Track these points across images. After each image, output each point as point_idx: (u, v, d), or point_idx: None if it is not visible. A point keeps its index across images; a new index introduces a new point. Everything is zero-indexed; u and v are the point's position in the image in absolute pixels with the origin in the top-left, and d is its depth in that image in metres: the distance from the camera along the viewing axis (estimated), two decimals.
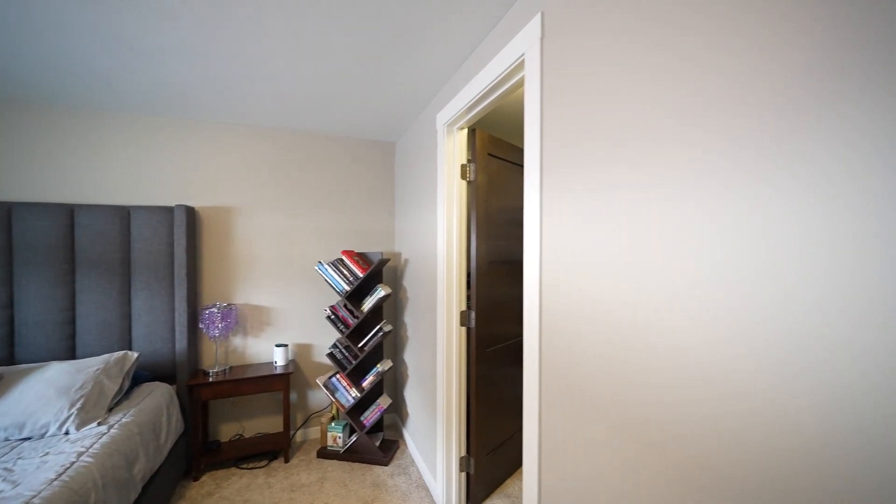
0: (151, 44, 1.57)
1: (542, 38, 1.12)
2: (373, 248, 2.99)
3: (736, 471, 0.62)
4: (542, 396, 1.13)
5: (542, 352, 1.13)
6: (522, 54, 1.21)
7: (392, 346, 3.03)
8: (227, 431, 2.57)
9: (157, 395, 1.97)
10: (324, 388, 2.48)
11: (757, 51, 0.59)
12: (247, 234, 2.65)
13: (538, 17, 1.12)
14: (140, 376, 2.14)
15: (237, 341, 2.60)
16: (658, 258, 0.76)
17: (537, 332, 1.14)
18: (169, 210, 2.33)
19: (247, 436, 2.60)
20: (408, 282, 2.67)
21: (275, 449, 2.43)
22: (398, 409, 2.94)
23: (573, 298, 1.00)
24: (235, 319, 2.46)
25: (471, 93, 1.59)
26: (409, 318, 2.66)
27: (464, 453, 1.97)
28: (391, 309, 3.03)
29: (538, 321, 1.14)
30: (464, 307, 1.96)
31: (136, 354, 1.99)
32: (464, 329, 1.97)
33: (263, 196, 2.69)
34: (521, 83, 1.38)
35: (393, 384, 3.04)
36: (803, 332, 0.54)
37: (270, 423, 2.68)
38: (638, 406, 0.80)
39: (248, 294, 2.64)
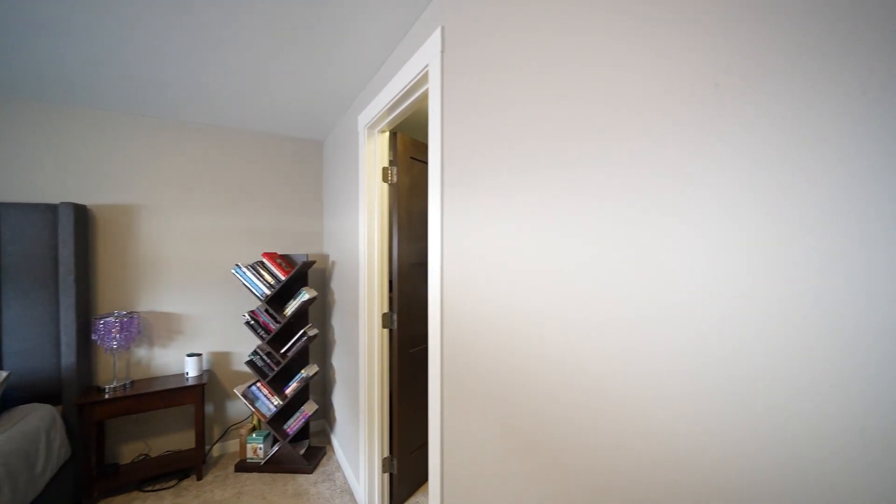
0: (16, 21, 1.38)
1: (442, 52, 1.17)
2: (300, 249, 2.89)
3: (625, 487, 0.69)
4: (443, 399, 1.18)
5: (443, 356, 1.18)
6: (426, 65, 1.25)
7: (321, 350, 2.95)
8: (129, 452, 2.33)
9: (34, 419, 1.73)
10: (242, 398, 2.35)
11: (644, 62, 0.67)
12: (153, 235, 2.42)
13: (439, 31, 1.16)
14: (13, 398, 1.87)
15: (141, 353, 2.37)
16: (547, 266, 0.83)
17: (439, 336, 1.19)
18: (52, 208, 2.05)
19: (153, 455, 2.38)
20: (335, 284, 2.62)
21: (186, 467, 2.25)
22: (327, 415, 2.87)
23: (470, 306, 1.05)
24: (138, 329, 2.24)
25: (386, 97, 1.60)
26: (336, 321, 2.61)
27: (387, 454, 1.98)
28: (320, 312, 2.95)
29: (440, 326, 1.18)
30: (386, 309, 1.97)
31: (4, 374, 1.74)
32: (386, 331, 1.98)
33: (174, 194, 2.48)
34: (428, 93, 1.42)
35: (322, 389, 2.96)
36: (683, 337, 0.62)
37: (182, 440, 2.48)
38: (523, 411, 0.87)
39: (155, 300, 2.41)
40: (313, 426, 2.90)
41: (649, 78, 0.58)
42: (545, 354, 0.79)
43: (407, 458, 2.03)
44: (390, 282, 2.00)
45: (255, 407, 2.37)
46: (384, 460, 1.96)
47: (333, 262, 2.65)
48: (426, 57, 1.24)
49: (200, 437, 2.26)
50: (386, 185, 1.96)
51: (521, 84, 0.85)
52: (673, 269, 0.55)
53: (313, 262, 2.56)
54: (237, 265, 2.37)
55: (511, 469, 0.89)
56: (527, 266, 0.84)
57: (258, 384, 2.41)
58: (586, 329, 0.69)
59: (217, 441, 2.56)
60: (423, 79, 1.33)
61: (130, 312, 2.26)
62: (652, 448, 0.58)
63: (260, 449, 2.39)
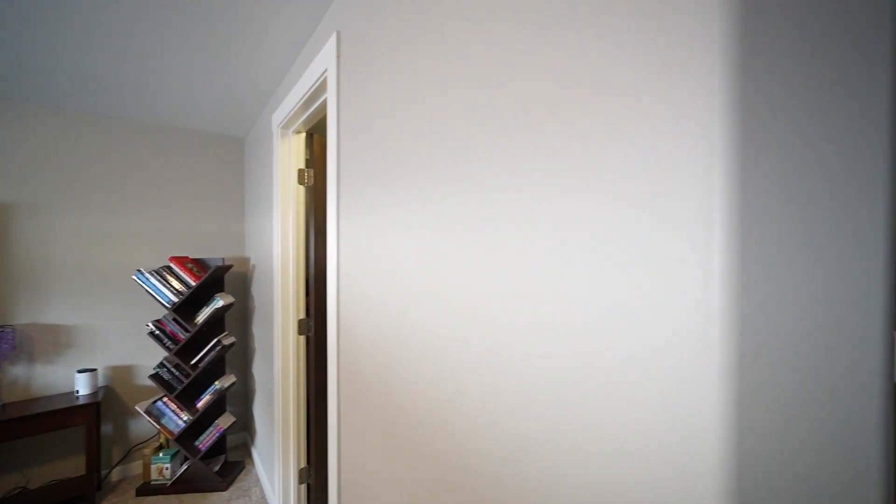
0: None
1: (338, 57, 1.16)
2: (219, 252, 2.71)
3: None
4: (340, 408, 1.18)
5: (339, 369, 1.18)
6: (325, 70, 1.24)
7: (242, 359, 2.80)
8: (0, 487, 2.04)
9: None
10: (145, 416, 2.16)
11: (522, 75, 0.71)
12: (37, 237, 2.14)
13: (334, 37, 1.16)
14: None
15: (18, 371, 2.09)
16: (418, 275, 0.86)
17: (336, 349, 1.18)
18: None
19: (33, 487, 2.11)
20: (256, 289, 2.50)
21: (76, 496, 2.02)
22: (249, 427, 2.72)
23: (362, 318, 1.06)
24: (12, 344, 1.97)
25: (295, 98, 1.56)
26: (256, 328, 2.49)
27: (304, 464, 1.93)
28: (240, 319, 2.79)
29: (336, 339, 1.18)
30: (303, 315, 1.92)
31: None
32: (303, 338, 1.92)
33: (66, 192, 2.22)
34: None
35: (243, 401, 2.81)
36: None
37: (72, 466, 2.22)
38: (398, 416, 0.89)
39: (37, 311, 2.14)
40: (232, 440, 2.73)
41: (498, 102, 0.63)
42: (432, 378, 0.82)
43: (326, 468, 1.99)
44: (307, 287, 1.95)
45: (160, 424, 2.18)
46: (301, 471, 1.91)
47: (254, 266, 2.53)
48: (325, 61, 1.23)
49: (94, 462, 2.04)
50: (302, 188, 1.91)
51: (404, 96, 0.88)
52: (542, 281, 0.60)
53: (230, 267, 2.42)
54: (139, 271, 2.17)
55: (396, 484, 0.91)
56: (407, 275, 0.86)
57: (164, 399, 2.22)
58: (480, 354, 0.73)
59: (117, 464, 2.33)
60: (324, 84, 1.32)
61: (2, 326, 1.98)
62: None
63: (167, 469, 2.20)
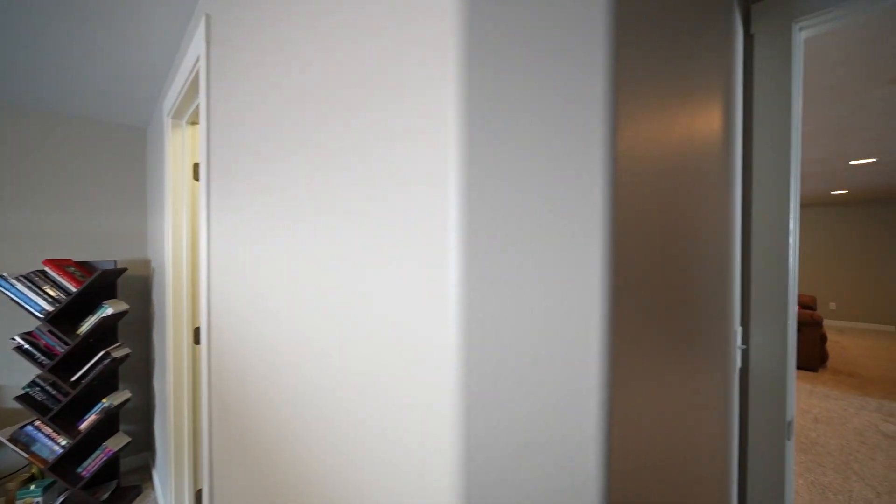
0: None
1: (207, 44, 1.07)
2: (116, 255, 2.44)
3: None
4: (212, 426, 1.09)
5: (210, 374, 1.08)
6: (198, 57, 1.13)
7: (144, 372, 2.53)
8: None
9: None
10: (10, 444, 1.87)
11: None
12: None
13: (203, 21, 1.06)
14: None
15: None
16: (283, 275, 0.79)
17: (207, 354, 1.09)
18: None
19: None
20: (156, 295, 2.27)
21: None
22: (150, 448, 2.47)
23: (222, 322, 0.98)
24: None
25: (179, 85, 1.43)
26: (157, 337, 2.26)
27: (202, 485, 1.77)
28: (141, 329, 2.53)
29: (207, 343, 1.09)
30: (199, 323, 1.76)
31: None
32: (200, 348, 1.77)
33: None
34: None
35: (144, 418, 2.54)
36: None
37: None
38: (252, 436, 0.83)
39: None
40: (131, 462, 2.46)
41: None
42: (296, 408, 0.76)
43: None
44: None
45: (30, 452, 1.90)
46: (199, 492, 1.75)
47: (154, 269, 2.30)
48: (197, 49, 1.13)
49: None
50: (198, 184, 1.75)
51: (252, 94, 0.81)
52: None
53: (123, 270, 2.17)
54: (0, 276, 1.87)
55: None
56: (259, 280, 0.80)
57: (36, 423, 1.94)
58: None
59: None
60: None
61: None
62: None
63: (38, 503, 1.93)
